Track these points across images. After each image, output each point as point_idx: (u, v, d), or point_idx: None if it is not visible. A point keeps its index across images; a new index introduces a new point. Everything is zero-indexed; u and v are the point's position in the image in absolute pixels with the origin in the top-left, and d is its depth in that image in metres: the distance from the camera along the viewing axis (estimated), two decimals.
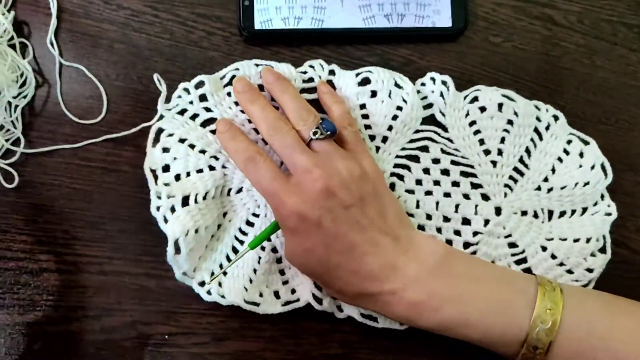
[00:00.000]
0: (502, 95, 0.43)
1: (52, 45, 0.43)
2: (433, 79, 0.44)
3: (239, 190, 0.42)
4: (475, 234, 0.43)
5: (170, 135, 0.42)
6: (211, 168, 0.42)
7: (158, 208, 0.40)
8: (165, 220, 0.40)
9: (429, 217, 0.43)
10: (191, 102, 0.42)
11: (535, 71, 0.45)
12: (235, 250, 0.42)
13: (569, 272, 0.42)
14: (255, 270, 0.41)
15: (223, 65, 0.43)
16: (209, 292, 0.40)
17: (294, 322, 0.41)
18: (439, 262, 0.37)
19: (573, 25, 0.47)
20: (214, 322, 0.41)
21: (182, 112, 0.42)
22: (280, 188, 0.37)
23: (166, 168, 0.41)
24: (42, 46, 0.42)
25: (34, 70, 0.42)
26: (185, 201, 0.41)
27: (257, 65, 0.43)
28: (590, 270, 0.42)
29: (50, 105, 0.42)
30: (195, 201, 0.41)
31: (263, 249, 0.42)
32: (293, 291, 0.41)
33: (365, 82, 0.43)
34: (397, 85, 0.43)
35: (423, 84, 0.44)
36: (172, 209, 0.40)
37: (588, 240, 0.42)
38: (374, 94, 0.43)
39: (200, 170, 0.41)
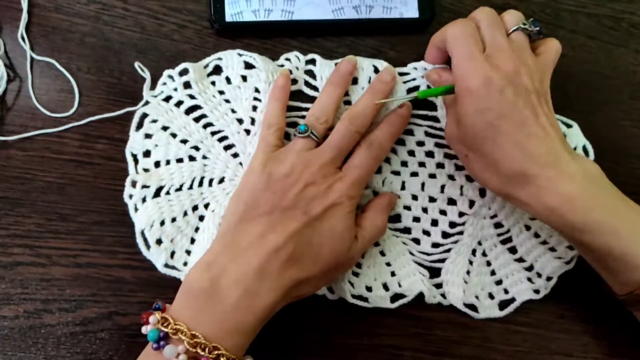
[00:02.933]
0: None
1: (23, 40, 0.43)
2: (415, 68, 0.44)
3: (221, 181, 0.43)
4: (461, 214, 0.44)
5: (154, 121, 0.42)
6: (191, 158, 0.42)
7: (131, 196, 0.41)
8: (136, 209, 0.41)
9: (414, 197, 0.44)
10: (175, 89, 0.43)
11: None
12: None
13: (552, 250, 0.43)
14: None
15: (195, 58, 0.43)
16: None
17: None
18: (596, 175, 0.38)
19: (535, 14, 0.48)
20: None
21: (167, 99, 0.43)
22: (477, 51, 0.39)
23: (147, 154, 0.42)
24: (13, 41, 0.43)
25: (5, 65, 0.42)
26: (158, 192, 0.41)
27: (240, 55, 0.43)
28: (571, 248, 0.43)
29: (22, 99, 0.42)
30: (168, 192, 0.41)
31: None
32: None
33: None
34: (377, 71, 0.44)
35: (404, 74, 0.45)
36: (144, 199, 0.41)
37: None
38: (354, 81, 0.44)
39: (180, 160, 0.42)
